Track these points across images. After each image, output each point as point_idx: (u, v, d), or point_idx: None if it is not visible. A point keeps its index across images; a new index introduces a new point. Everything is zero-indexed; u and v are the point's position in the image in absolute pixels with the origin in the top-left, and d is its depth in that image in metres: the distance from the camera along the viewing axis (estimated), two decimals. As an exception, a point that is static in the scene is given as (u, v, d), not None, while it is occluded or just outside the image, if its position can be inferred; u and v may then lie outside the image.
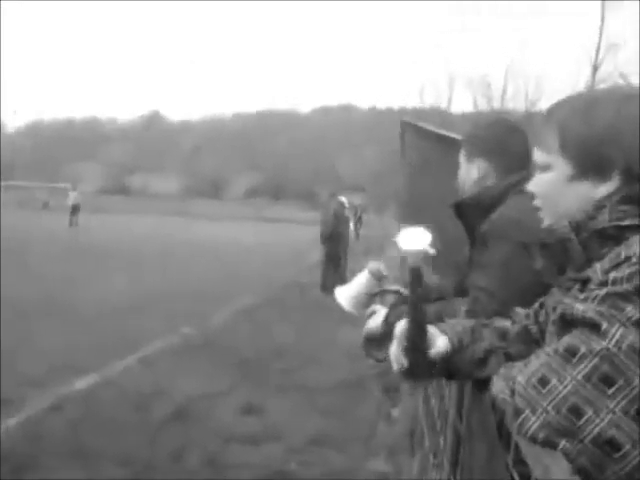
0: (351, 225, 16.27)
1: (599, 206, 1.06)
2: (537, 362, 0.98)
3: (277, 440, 4.25)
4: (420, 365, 1.23)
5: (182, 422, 4.49)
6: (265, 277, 12.75)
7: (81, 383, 5.23)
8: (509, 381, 1.00)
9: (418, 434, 3.11)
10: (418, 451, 3.01)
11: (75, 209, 29.71)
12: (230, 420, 4.59)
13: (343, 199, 11.97)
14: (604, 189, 1.06)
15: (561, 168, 1.11)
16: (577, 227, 1.08)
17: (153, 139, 76.19)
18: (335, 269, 11.04)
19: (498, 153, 1.83)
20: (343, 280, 8.23)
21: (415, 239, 1.08)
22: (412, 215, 6.08)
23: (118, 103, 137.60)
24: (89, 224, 28.13)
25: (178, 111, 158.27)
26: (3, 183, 50.35)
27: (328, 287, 10.01)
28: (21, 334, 6.61)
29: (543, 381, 0.94)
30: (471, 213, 1.82)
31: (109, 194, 58.66)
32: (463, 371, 1.30)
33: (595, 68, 21.71)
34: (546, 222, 1.16)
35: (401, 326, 1.24)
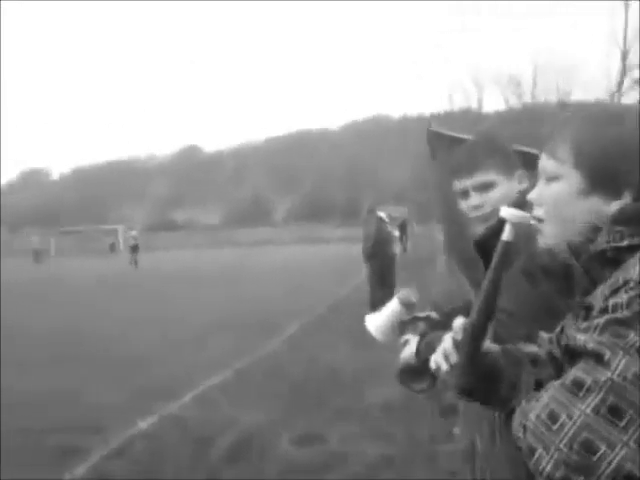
0: (396, 238, 16.06)
1: (596, 227, 1.05)
2: (546, 396, 0.97)
3: (338, 468, 4.24)
4: (474, 362, 1.14)
5: (242, 456, 4.52)
6: (314, 300, 12.81)
7: (143, 425, 5.31)
8: (523, 417, 1.00)
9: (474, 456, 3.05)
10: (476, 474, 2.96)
11: (134, 248, 30.94)
12: (290, 450, 4.60)
13: (382, 214, 11.78)
14: (615, 206, 1.05)
15: (572, 180, 1.09)
16: (576, 250, 1.07)
17: (192, 172, 77.66)
18: (381, 286, 10.93)
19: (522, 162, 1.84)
20: (391, 298, 8.09)
21: (518, 212, 1.11)
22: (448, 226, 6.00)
23: (154, 140, 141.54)
24: (147, 262, 29.62)
25: (213, 142, 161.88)
26: (60, 229, 52.36)
27: (377, 305, 9.91)
28: (82, 380, 6.82)
29: (553, 417, 0.93)
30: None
31: (156, 230, 59.93)
32: (501, 395, 1.20)
33: (624, 55, 21.18)
34: (547, 234, 1.13)
35: (460, 320, 1.17)
